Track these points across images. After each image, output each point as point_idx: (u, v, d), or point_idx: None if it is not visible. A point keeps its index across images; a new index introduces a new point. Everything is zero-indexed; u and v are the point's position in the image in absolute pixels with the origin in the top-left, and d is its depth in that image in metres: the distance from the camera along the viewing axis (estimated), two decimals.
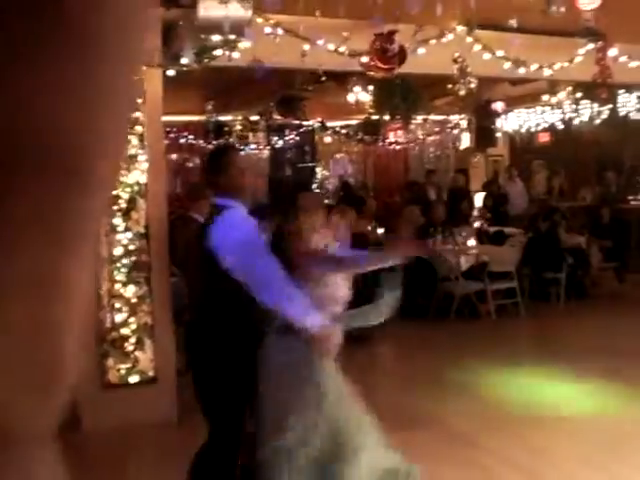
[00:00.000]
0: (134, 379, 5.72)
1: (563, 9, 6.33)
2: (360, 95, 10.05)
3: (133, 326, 5.71)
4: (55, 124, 0.36)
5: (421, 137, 15.31)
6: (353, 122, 14.45)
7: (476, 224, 11.15)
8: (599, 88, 8.41)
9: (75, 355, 0.40)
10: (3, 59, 0.35)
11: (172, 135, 14.64)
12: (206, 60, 6.19)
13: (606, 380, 6.19)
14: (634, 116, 11.90)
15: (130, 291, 5.69)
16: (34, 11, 0.35)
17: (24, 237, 0.36)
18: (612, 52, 7.82)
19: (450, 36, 7.15)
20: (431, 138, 15.21)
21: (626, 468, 4.47)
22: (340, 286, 3.48)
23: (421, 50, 6.98)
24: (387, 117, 10.61)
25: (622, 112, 11.81)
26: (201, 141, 14.54)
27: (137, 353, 5.72)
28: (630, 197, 13.36)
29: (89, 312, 0.41)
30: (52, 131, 0.36)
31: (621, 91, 11.31)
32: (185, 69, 6.13)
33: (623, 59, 7.94)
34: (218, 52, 6.16)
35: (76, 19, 0.36)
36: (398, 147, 15.86)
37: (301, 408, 3.27)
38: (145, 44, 0.42)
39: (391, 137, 15.49)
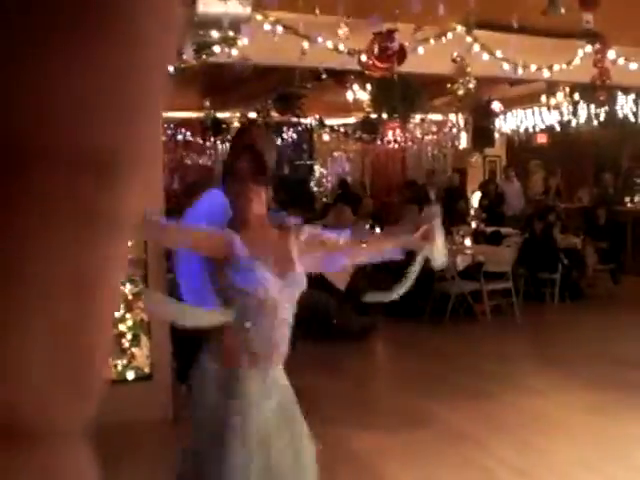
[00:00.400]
0: (130, 375, 5.73)
1: (563, 10, 6.33)
2: (358, 94, 10.05)
3: (129, 322, 5.71)
4: (86, 123, 0.36)
5: (419, 136, 15.31)
6: (351, 120, 14.45)
7: (473, 224, 11.18)
8: (597, 90, 8.42)
9: (107, 352, 0.41)
10: (22, 47, 0.34)
11: (169, 132, 14.63)
12: (205, 56, 6.18)
13: (602, 382, 6.20)
14: (632, 118, 11.92)
15: (126, 288, 5.69)
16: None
17: (63, 236, 0.36)
18: (610, 54, 7.83)
19: (449, 36, 7.15)
20: (429, 137, 15.22)
21: (622, 470, 4.49)
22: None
23: (420, 49, 6.98)
24: (385, 116, 10.61)
25: (620, 114, 11.83)
26: (198, 138, 14.54)
27: (133, 349, 5.73)
28: (626, 199, 13.39)
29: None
30: (84, 129, 0.36)
31: (619, 93, 11.33)
32: (184, 65, 6.12)
33: (621, 61, 7.95)
34: (217, 49, 6.15)
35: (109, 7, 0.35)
36: (396, 146, 15.87)
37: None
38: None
39: (389, 136, 15.50)
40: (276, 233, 2.70)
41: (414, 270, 2.90)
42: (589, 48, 7.76)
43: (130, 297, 5.71)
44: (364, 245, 2.93)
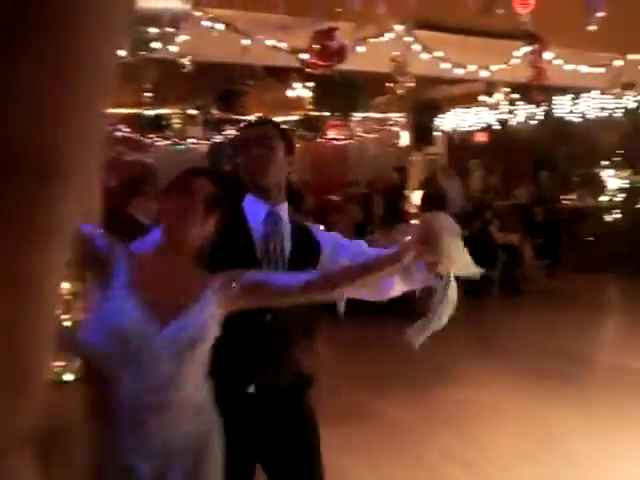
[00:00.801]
0: (68, 377, 5.61)
1: (502, 11, 6.43)
2: (300, 91, 10.05)
3: (67, 323, 5.59)
4: (28, 127, 0.35)
5: (361, 134, 15.39)
6: (293, 118, 14.42)
7: (414, 222, 11.28)
8: (535, 90, 8.59)
9: (45, 354, 0.40)
10: None
11: (107, 128, 14.40)
12: (143, 52, 6.09)
13: (542, 375, 6.34)
14: (568, 117, 12.21)
15: (64, 288, 5.57)
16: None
17: (5, 239, 0.35)
18: (547, 55, 7.99)
19: (390, 35, 7.20)
20: (371, 136, 15.31)
21: (563, 462, 4.59)
22: None
23: (361, 48, 7.01)
24: (327, 113, 10.64)
25: (557, 113, 12.10)
26: (138, 134, 14.33)
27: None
28: (563, 197, 13.71)
29: (55, 310, 0.42)
30: (25, 134, 0.35)
31: (555, 93, 11.59)
32: (121, 61, 6.02)
33: (558, 62, 8.13)
34: (155, 45, 6.06)
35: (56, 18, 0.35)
36: (338, 144, 15.92)
37: None
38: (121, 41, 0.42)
39: (331, 134, 15.53)
40: (196, 275, 2.14)
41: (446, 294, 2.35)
42: (527, 49, 7.91)
43: (69, 297, 5.59)
44: (340, 282, 2.34)
